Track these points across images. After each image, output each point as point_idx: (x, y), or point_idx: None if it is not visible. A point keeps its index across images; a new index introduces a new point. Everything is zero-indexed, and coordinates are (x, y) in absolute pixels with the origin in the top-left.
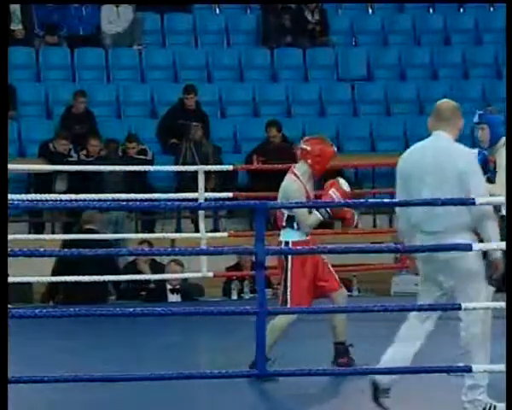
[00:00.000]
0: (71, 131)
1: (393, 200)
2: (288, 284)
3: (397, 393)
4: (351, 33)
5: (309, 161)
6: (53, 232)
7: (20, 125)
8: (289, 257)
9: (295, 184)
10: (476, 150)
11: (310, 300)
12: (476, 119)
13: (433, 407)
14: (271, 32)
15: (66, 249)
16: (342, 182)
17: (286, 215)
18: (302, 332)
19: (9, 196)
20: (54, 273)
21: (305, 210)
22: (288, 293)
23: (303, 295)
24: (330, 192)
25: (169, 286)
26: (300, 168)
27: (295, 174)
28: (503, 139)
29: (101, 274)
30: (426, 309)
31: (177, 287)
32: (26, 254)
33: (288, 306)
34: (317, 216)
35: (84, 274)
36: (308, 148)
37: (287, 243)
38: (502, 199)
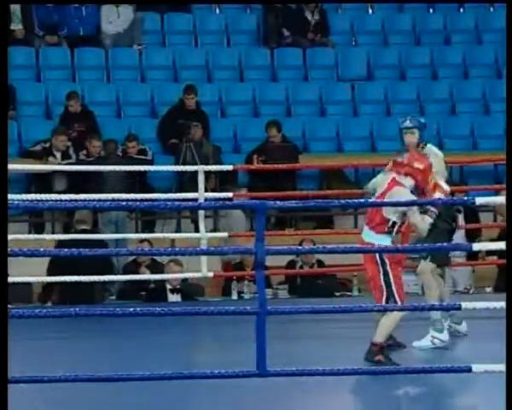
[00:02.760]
0: (70, 129)
1: (393, 200)
2: (393, 286)
3: (391, 392)
4: (351, 33)
5: (419, 177)
6: (53, 232)
7: (20, 125)
8: (386, 260)
9: (411, 196)
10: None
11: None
12: (408, 124)
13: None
14: (271, 32)
15: (65, 249)
16: (442, 184)
17: (391, 221)
18: (302, 332)
19: (9, 196)
20: (48, 274)
21: (420, 216)
22: (395, 293)
23: (403, 291)
24: (437, 196)
25: (169, 286)
26: (408, 183)
27: (405, 186)
28: (429, 145)
29: (97, 274)
30: (425, 309)
31: (178, 287)
32: (26, 254)
33: (398, 303)
34: (429, 220)
35: (78, 274)
36: (421, 167)
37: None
38: (502, 199)
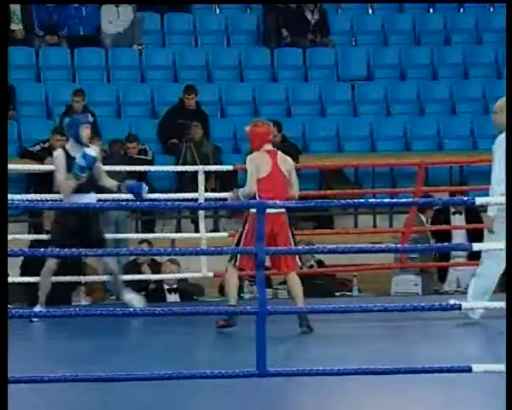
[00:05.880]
0: None
1: (393, 200)
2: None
3: (390, 392)
4: (351, 33)
5: None
6: None
7: (20, 125)
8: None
9: None
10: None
11: None
12: (91, 119)
13: (425, 405)
14: (271, 32)
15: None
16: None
17: None
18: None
19: (9, 196)
20: (21, 273)
21: None
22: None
23: None
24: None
25: (166, 286)
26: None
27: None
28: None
29: (67, 275)
30: (425, 309)
31: (175, 286)
32: (26, 254)
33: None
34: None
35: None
36: None
37: None
38: (502, 199)
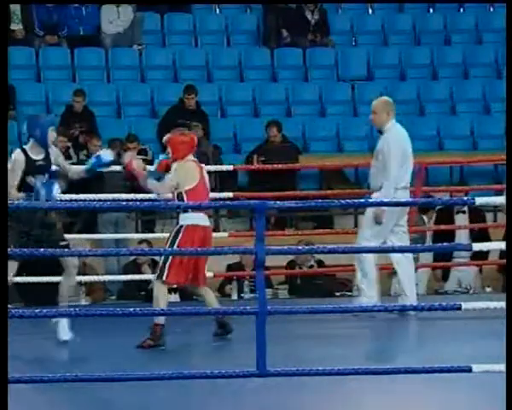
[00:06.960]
0: (71, 129)
1: (393, 200)
2: None
3: (390, 392)
4: (351, 33)
5: None
6: None
7: (20, 125)
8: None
9: None
10: None
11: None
12: None
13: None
14: (271, 32)
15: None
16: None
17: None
18: (302, 332)
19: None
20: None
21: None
22: None
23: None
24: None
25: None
26: None
27: None
28: None
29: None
30: (425, 309)
31: (174, 286)
32: (26, 254)
33: None
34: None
35: (34, 275)
36: None
37: None
38: (502, 199)
